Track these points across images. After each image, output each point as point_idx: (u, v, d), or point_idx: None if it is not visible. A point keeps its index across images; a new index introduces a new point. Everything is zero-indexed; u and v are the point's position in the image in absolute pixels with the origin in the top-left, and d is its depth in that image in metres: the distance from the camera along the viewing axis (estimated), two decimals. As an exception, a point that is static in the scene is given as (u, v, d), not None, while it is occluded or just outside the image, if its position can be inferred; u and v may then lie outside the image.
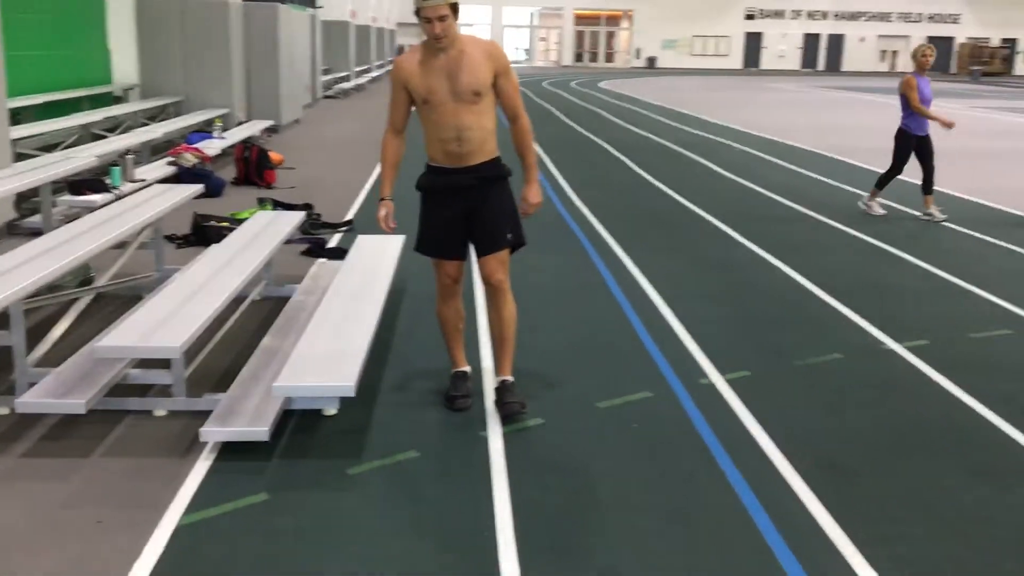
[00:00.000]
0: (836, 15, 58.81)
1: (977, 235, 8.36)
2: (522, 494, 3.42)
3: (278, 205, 8.40)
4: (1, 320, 4.46)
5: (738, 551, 3.08)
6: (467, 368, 4.36)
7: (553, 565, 2.97)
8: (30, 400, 3.67)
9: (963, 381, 4.68)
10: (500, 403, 4.12)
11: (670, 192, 10.40)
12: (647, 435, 3.99)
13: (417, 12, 3.77)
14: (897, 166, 9.09)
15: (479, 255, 4.10)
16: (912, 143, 8.97)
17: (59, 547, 3.00)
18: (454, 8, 3.77)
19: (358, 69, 28.33)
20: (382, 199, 4.09)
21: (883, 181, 9.26)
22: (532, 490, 3.46)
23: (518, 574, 2.91)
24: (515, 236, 4.12)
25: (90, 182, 7.55)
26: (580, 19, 58.05)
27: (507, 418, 4.06)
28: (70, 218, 6.74)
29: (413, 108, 4.01)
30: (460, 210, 4.03)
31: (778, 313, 5.88)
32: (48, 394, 3.71)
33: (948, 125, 8.92)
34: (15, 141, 8.06)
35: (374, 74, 31.00)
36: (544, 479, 3.56)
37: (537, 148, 14.04)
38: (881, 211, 9.25)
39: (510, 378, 4.19)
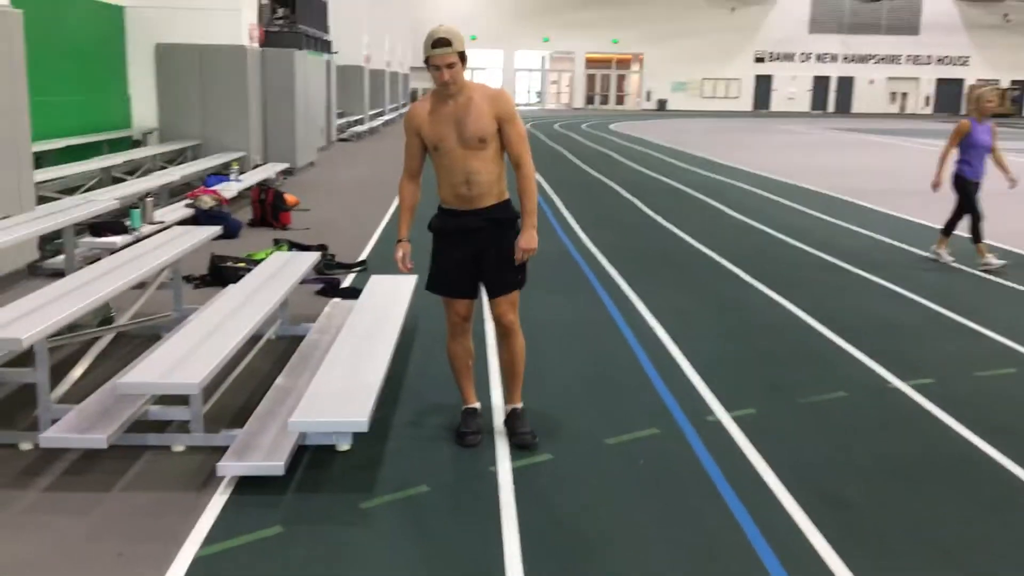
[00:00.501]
0: (846, 57, 59.32)
1: (985, 276, 8.42)
2: (530, 528, 3.49)
3: (293, 246, 8.56)
4: (25, 358, 4.59)
5: (742, 584, 3.14)
6: (477, 405, 4.46)
7: (560, 596, 3.04)
8: (54, 435, 3.78)
9: (966, 417, 4.74)
10: (513, 432, 4.27)
11: (678, 232, 10.52)
12: (654, 471, 4.06)
13: (426, 60, 3.93)
14: (969, 209, 8.67)
15: (490, 297, 4.22)
16: (972, 187, 8.62)
17: (81, 578, 3.09)
18: (462, 56, 3.93)
19: (372, 112, 28.74)
20: (399, 240, 4.23)
21: (950, 227, 8.91)
22: (540, 525, 3.53)
23: (526, 605, 2.99)
24: (522, 278, 4.24)
25: (110, 224, 7.73)
26: (591, 62, 58.76)
27: (521, 447, 4.19)
28: (91, 259, 6.90)
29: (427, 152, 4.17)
30: (470, 251, 4.16)
31: (784, 351, 5.96)
32: (71, 429, 3.82)
33: (1011, 181, 8.56)
34: (38, 184, 8.26)
35: (387, 117, 31.44)
36: (552, 514, 3.63)
37: (548, 189, 14.22)
38: (949, 258, 8.86)
39: (520, 405, 4.36)
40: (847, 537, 3.48)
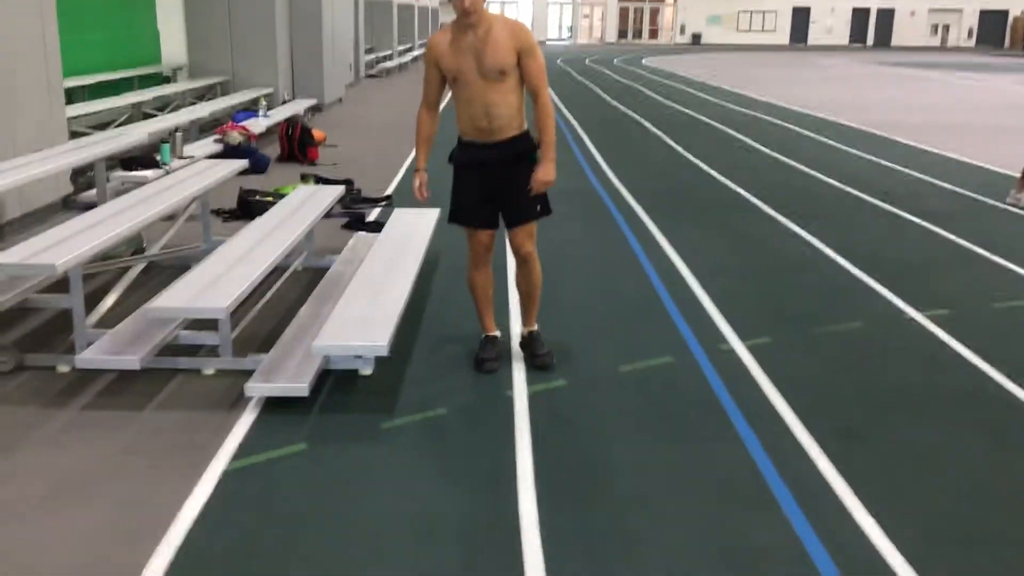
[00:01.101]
0: (886, -12, 57.77)
1: (1010, 209, 8.35)
2: (544, 449, 3.63)
3: (320, 180, 8.67)
4: (60, 285, 4.77)
5: (749, 511, 3.23)
6: (497, 333, 4.58)
7: (569, 506, 3.18)
8: (89, 356, 3.96)
9: (980, 348, 4.79)
10: (532, 354, 4.45)
11: (705, 167, 10.49)
12: (666, 398, 4.17)
13: None
14: None
15: (508, 227, 4.30)
16: None
17: (117, 488, 3.28)
18: None
19: (401, 48, 28.56)
20: (417, 170, 4.32)
21: None
22: (554, 446, 3.67)
23: (535, 513, 3.13)
24: (543, 207, 4.31)
25: (141, 159, 7.88)
26: (624, -5, 57.75)
27: (540, 368, 4.37)
28: (122, 192, 7.07)
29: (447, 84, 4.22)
30: (490, 183, 4.23)
31: (802, 283, 6.00)
32: (106, 351, 4.00)
33: None
34: (70, 120, 8.40)
35: (416, 53, 31.21)
36: (564, 435, 3.76)
37: (576, 125, 14.17)
38: None
39: (536, 328, 4.52)
40: (853, 463, 3.56)
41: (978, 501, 3.31)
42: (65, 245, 4.13)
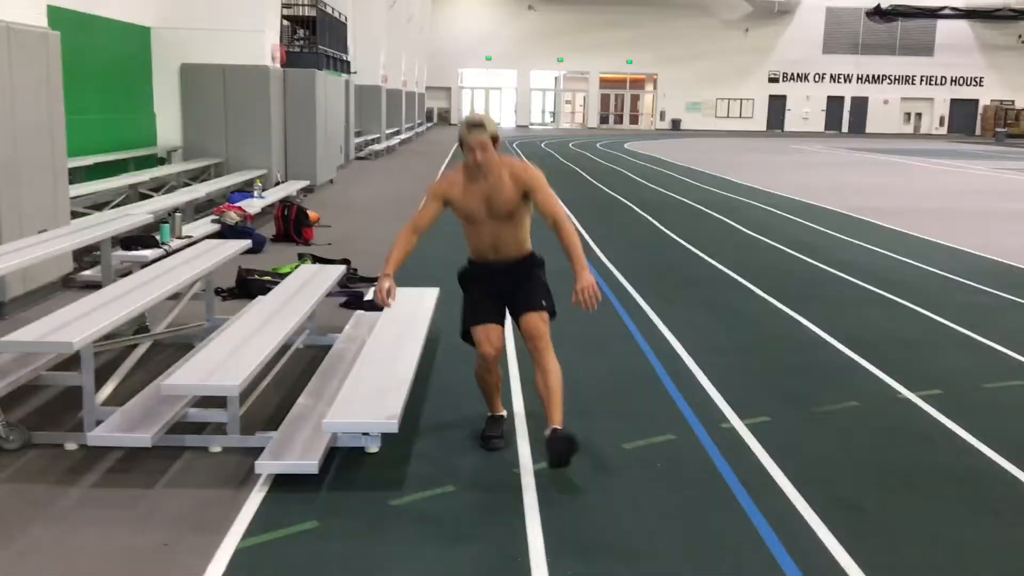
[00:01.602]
0: (859, 78, 59.50)
1: (996, 292, 8.56)
2: (553, 528, 3.66)
3: (317, 260, 8.78)
4: (69, 363, 4.81)
5: (755, 577, 3.30)
6: (503, 413, 4.65)
7: (582, 587, 3.21)
8: (102, 434, 3.98)
9: (974, 427, 4.88)
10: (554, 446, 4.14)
11: (692, 248, 10.70)
12: (671, 474, 4.23)
13: (460, 141, 4.18)
14: None
15: (518, 315, 4.36)
16: None
17: (132, 567, 3.28)
18: (495, 139, 4.18)
19: (389, 131, 29.07)
20: (385, 275, 4.22)
21: None
22: (563, 524, 3.70)
23: (550, 594, 3.16)
24: (548, 305, 4.41)
25: (140, 238, 7.97)
26: (605, 82, 59.16)
27: (559, 466, 4.12)
28: (121, 272, 7.14)
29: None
30: (499, 286, 4.41)
31: (797, 363, 6.11)
32: (117, 429, 4.03)
33: None
34: (70, 199, 8.51)
35: (403, 136, 31.78)
36: (573, 513, 3.80)
37: (563, 207, 14.43)
38: None
39: (560, 427, 4.18)
40: (860, 539, 3.62)
41: (969, 568, 3.37)
42: (78, 323, 4.20)
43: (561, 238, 4.27)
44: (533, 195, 4.28)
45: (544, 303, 4.39)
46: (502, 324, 4.44)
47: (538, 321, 4.35)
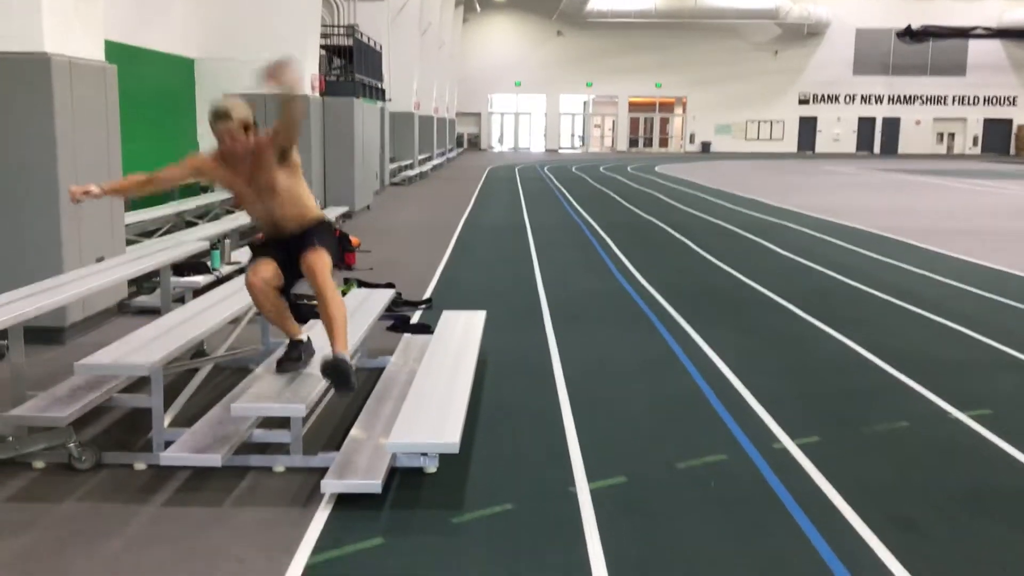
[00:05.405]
0: (891, 99, 59.26)
1: (1039, 312, 8.52)
2: (613, 546, 3.73)
3: (363, 284, 8.93)
4: (135, 386, 4.97)
5: (816, 594, 3.34)
6: (301, 337, 4.81)
7: (646, 603, 3.28)
8: (174, 454, 4.12)
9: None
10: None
11: (731, 271, 10.74)
12: (725, 493, 4.29)
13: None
14: None
15: (299, 262, 4.51)
16: None
17: (207, 581, 3.40)
18: (246, 127, 4.51)
19: (421, 157, 29.40)
20: (100, 187, 4.72)
21: None
22: (621, 541, 3.77)
23: (616, 609, 3.23)
24: (323, 243, 4.55)
25: (191, 264, 8.17)
26: (634, 106, 59.38)
27: (338, 377, 4.36)
28: (175, 297, 7.33)
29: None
30: (286, 250, 4.60)
31: (843, 383, 6.14)
32: (188, 449, 4.16)
33: None
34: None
35: (435, 162, 32.10)
36: (632, 531, 3.87)
37: (599, 230, 14.52)
38: None
39: (335, 353, 4.41)
40: (917, 557, 3.66)
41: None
42: (147, 348, 4.35)
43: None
44: (275, 135, 4.50)
45: (317, 241, 4.54)
46: (277, 261, 4.60)
47: (313, 258, 4.46)
